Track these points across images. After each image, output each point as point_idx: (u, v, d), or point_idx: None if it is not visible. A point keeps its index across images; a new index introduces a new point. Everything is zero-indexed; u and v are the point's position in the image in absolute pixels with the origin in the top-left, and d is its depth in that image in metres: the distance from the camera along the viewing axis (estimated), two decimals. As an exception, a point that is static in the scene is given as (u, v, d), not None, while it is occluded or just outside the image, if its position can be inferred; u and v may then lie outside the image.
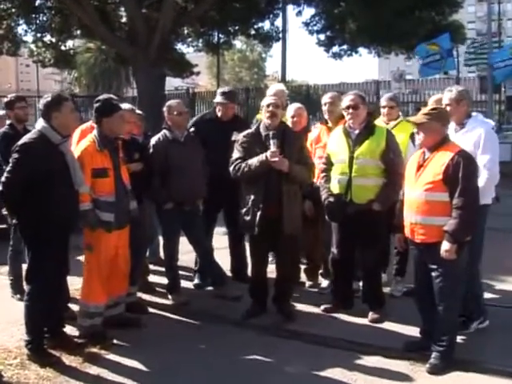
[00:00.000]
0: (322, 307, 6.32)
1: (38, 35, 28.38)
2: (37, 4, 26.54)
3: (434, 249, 4.88)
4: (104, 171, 5.45)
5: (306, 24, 25.64)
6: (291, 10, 26.51)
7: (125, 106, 6.29)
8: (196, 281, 7.27)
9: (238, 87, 44.70)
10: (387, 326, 5.96)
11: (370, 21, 21.51)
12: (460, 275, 4.97)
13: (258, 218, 5.84)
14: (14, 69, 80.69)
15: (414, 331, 5.56)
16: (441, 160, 4.86)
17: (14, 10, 25.70)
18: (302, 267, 7.35)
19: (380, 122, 6.59)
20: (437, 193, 4.85)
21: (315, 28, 25.67)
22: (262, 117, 6.05)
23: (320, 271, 7.19)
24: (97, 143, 5.47)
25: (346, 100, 6.01)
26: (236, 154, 6.04)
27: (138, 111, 7.47)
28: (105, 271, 5.57)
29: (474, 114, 5.71)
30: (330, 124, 6.69)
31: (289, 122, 6.96)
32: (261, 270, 6.24)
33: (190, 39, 29.88)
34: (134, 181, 5.89)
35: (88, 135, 5.65)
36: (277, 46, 27.99)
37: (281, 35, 25.81)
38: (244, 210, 5.98)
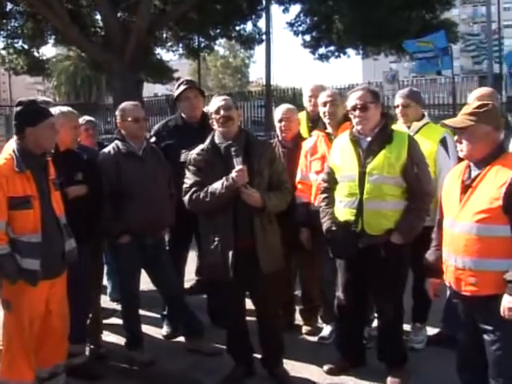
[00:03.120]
0: (326, 368, 4.89)
1: (9, 41, 27.21)
2: (7, 9, 25.44)
3: (490, 304, 3.43)
4: (25, 200, 3.95)
5: (291, 24, 24.58)
6: (275, 9, 25.51)
7: (61, 108, 4.85)
8: (165, 329, 5.82)
9: (221, 93, 43.60)
10: (413, 394, 4.54)
11: (360, 19, 20.35)
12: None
13: (230, 258, 4.42)
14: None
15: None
16: (498, 179, 3.41)
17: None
18: (298, 308, 5.98)
19: (399, 127, 5.19)
20: (494, 225, 3.39)
21: (300, 28, 24.69)
22: (216, 126, 4.63)
23: (320, 313, 5.77)
24: (15, 162, 3.98)
25: (353, 98, 4.57)
26: (189, 179, 4.61)
27: (89, 117, 6.11)
28: (32, 335, 4.11)
29: None
30: (329, 130, 5.26)
31: (277, 128, 5.66)
32: (239, 320, 4.82)
33: (169, 44, 28.87)
34: (77, 210, 4.46)
35: (3, 151, 4.15)
36: (260, 52, 27.08)
37: (264, 37, 24.53)
38: (208, 250, 4.58)
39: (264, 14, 24.00)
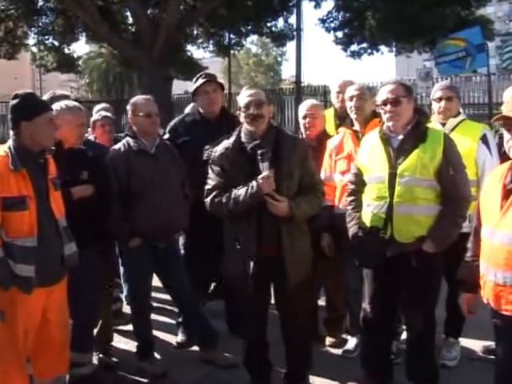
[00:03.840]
0: (350, 386, 4.50)
1: (40, 38, 27.23)
2: (38, 6, 25.46)
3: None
4: (20, 201, 3.59)
5: (323, 21, 23.96)
6: (306, 5, 25.11)
7: (67, 103, 4.51)
8: (180, 336, 5.47)
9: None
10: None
11: (393, 15, 19.79)
12: None
13: (251, 268, 4.02)
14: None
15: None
16: (545, 184, 3.00)
17: (14, 12, 24.58)
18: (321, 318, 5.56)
19: (434, 123, 4.77)
20: (540, 237, 2.98)
21: (332, 25, 24.01)
22: (243, 122, 4.23)
23: (345, 324, 5.40)
24: (10, 159, 3.65)
25: (383, 92, 4.15)
26: (212, 180, 4.22)
27: (105, 113, 5.81)
28: (27, 346, 3.78)
29: None
30: (356, 126, 4.87)
31: (301, 125, 5.29)
32: (259, 331, 4.41)
33: (200, 40, 28.58)
34: (82, 211, 4.14)
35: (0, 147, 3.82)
36: (293, 50, 26.67)
37: (295, 33, 24.06)
38: (231, 256, 4.19)
39: (295, 10, 23.57)
